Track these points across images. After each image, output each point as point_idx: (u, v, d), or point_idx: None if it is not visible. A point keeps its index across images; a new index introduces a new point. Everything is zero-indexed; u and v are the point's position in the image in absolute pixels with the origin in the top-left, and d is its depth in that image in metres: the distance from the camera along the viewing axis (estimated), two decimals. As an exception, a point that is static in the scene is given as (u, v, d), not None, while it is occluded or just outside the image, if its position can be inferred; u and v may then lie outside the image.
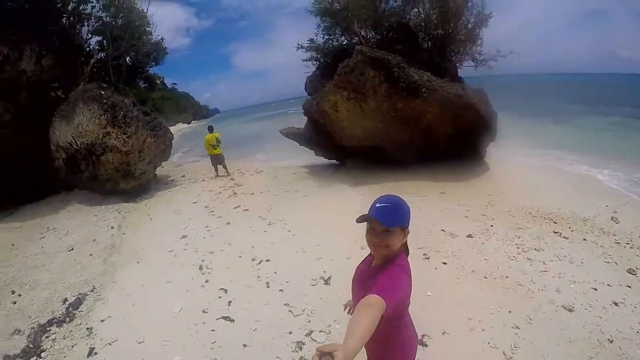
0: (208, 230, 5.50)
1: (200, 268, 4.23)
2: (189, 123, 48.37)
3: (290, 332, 2.91)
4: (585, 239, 4.13)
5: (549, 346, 2.59)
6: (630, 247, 3.90)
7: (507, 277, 3.50)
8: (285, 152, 11.32)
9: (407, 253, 1.42)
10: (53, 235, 5.73)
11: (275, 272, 3.92)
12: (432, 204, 5.76)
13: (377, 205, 1.27)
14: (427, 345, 2.64)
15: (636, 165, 7.52)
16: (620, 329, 2.73)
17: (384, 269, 1.26)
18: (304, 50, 9.78)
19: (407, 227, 1.31)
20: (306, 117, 8.72)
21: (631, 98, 22.61)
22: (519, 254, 3.93)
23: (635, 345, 2.57)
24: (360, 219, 1.27)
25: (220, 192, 7.85)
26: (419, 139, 7.61)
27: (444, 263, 3.85)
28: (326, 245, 4.42)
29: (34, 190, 7.64)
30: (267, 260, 4.25)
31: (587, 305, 3.02)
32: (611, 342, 2.61)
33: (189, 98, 59.94)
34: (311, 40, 9.72)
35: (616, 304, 2.99)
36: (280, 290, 3.58)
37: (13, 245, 5.38)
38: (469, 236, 4.46)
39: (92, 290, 3.88)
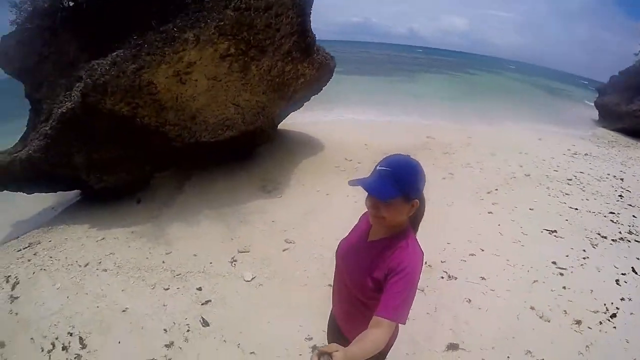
0: None
1: None
2: None
3: None
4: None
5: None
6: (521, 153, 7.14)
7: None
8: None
9: (415, 229, 1.18)
10: None
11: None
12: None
13: (378, 167, 1.06)
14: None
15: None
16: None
17: (391, 250, 1.08)
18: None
19: (414, 197, 1.07)
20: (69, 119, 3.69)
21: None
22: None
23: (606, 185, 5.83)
24: (351, 183, 1.06)
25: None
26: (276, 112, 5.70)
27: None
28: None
29: None
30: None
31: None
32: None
33: None
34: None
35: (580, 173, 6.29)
36: None
37: None
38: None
39: None
